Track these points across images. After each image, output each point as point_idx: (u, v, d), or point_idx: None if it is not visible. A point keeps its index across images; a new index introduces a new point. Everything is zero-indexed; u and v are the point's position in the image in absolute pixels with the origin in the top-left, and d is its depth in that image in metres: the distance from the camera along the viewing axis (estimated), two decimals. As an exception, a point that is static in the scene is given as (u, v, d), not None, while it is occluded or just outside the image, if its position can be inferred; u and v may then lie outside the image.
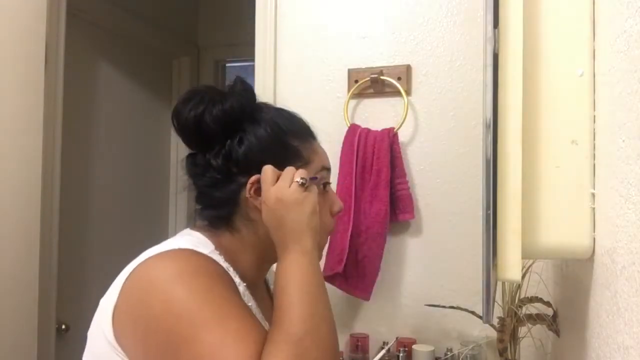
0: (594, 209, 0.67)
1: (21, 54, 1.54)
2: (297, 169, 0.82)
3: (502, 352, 1.12)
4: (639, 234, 0.50)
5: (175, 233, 0.92)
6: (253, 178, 0.82)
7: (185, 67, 2.81)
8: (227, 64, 3.04)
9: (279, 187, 0.79)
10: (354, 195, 1.39)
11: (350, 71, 1.51)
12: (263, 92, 1.57)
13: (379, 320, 1.47)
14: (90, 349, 0.80)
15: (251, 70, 1.62)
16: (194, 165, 0.87)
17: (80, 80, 2.11)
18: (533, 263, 1.09)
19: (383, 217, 1.38)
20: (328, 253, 1.43)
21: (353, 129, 1.45)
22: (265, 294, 0.97)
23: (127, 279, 0.76)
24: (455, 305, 1.27)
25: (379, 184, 1.39)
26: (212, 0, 2.91)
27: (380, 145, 1.39)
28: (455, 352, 1.33)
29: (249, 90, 0.88)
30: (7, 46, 1.48)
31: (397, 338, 1.39)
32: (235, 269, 0.82)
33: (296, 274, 0.76)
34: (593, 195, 0.67)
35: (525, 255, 0.67)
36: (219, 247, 0.83)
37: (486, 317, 0.69)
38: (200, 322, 0.70)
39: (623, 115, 0.55)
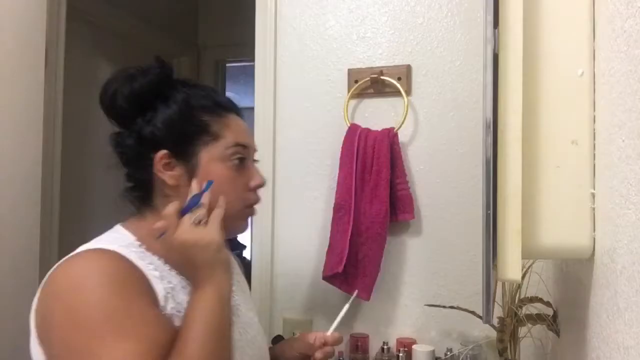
0: (594, 209, 0.67)
1: (21, 54, 1.54)
2: (205, 144, 0.87)
3: (502, 352, 1.12)
4: (639, 234, 0.50)
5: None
6: (160, 154, 0.86)
7: (185, 67, 2.81)
8: (227, 64, 3.04)
9: (180, 231, 0.81)
10: (354, 195, 1.39)
11: (350, 71, 1.51)
12: (263, 92, 1.57)
13: (379, 320, 1.47)
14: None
15: (251, 70, 1.62)
16: (115, 144, 0.90)
17: (80, 80, 2.11)
18: (533, 263, 1.09)
19: (383, 217, 1.38)
20: (328, 253, 1.43)
21: (353, 129, 1.45)
22: None
23: (45, 280, 0.79)
24: (455, 305, 1.27)
25: (379, 184, 1.39)
26: (212, 0, 2.91)
27: (380, 145, 1.39)
28: (455, 352, 1.33)
29: (163, 70, 0.91)
30: (7, 46, 1.48)
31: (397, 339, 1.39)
32: (159, 253, 0.84)
33: (204, 310, 0.78)
34: (593, 195, 0.67)
35: (525, 255, 0.67)
36: (141, 238, 0.85)
37: (486, 317, 0.69)
38: (99, 335, 0.72)
39: (623, 115, 0.55)
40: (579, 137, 0.68)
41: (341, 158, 1.45)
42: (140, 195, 0.90)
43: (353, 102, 1.51)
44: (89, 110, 2.18)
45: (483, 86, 0.70)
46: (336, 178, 1.45)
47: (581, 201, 0.68)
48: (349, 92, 1.49)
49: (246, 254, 4.20)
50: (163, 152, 0.86)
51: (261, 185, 0.94)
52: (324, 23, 1.54)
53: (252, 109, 1.59)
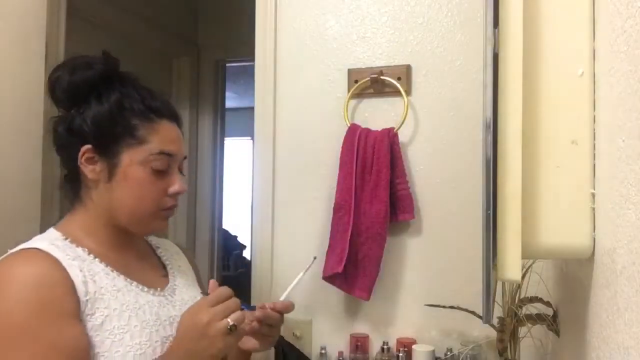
0: (594, 209, 0.67)
1: (21, 54, 1.54)
2: (130, 146, 0.90)
3: (502, 352, 1.12)
4: (639, 234, 0.50)
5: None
6: (84, 148, 0.90)
7: (185, 67, 2.81)
8: (227, 64, 3.04)
9: (213, 314, 0.84)
10: (354, 195, 1.39)
11: (350, 71, 1.51)
12: (263, 92, 1.57)
13: (379, 320, 1.47)
14: None
15: (251, 70, 1.62)
16: (52, 129, 0.95)
17: (80, 80, 2.11)
18: (533, 263, 1.09)
19: (383, 217, 1.38)
20: (328, 253, 1.43)
21: (353, 129, 1.45)
22: (148, 255, 1.06)
23: None
24: (455, 305, 1.27)
25: (379, 184, 1.39)
26: (212, 0, 2.91)
27: (380, 145, 1.39)
28: (455, 352, 1.33)
29: (106, 67, 0.94)
30: (7, 46, 1.48)
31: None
32: (84, 244, 0.90)
33: None
34: (593, 195, 0.67)
35: (525, 255, 0.67)
36: (68, 232, 0.91)
37: (486, 317, 0.69)
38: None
39: (623, 115, 0.55)
40: (579, 137, 0.68)
41: (341, 158, 1.45)
42: (71, 186, 0.95)
43: (353, 102, 1.50)
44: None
45: (483, 86, 0.71)
46: (336, 178, 1.45)
47: (581, 201, 0.68)
48: (349, 92, 1.49)
49: (246, 254, 4.21)
50: (87, 146, 0.90)
51: (180, 192, 0.96)
52: (324, 23, 1.54)
53: (252, 109, 1.59)
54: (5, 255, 0.86)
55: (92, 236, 0.93)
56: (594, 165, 0.67)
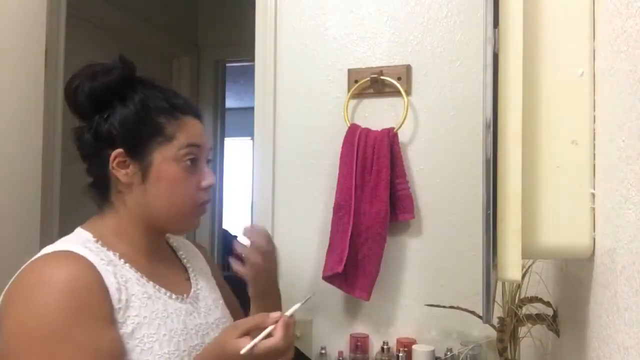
0: (594, 209, 0.67)
1: (21, 54, 1.54)
2: (160, 144, 0.91)
3: (502, 352, 1.12)
4: (639, 234, 0.50)
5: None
6: (115, 152, 0.90)
7: (185, 67, 2.81)
8: (227, 64, 3.04)
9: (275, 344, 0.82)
10: (354, 195, 1.39)
11: (350, 71, 1.50)
12: (263, 92, 1.57)
13: (379, 320, 1.47)
14: None
15: (251, 70, 1.62)
16: (75, 138, 0.94)
17: (80, 80, 2.10)
18: (533, 263, 1.09)
19: (383, 217, 1.38)
20: (328, 253, 1.43)
21: (353, 129, 1.45)
22: (171, 258, 1.05)
23: (12, 280, 0.83)
24: (455, 305, 1.27)
25: (379, 184, 1.39)
26: (212, 0, 2.91)
27: (380, 145, 1.39)
28: (455, 352, 1.33)
29: (125, 70, 0.93)
30: (7, 46, 1.48)
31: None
32: (115, 248, 0.89)
33: None
34: (593, 195, 0.67)
35: (525, 255, 0.67)
36: (99, 235, 0.89)
37: (486, 317, 0.69)
38: (31, 352, 0.76)
39: (623, 115, 0.55)
40: (579, 137, 0.68)
41: (341, 158, 1.45)
42: (99, 191, 0.95)
43: (353, 102, 1.50)
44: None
45: (483, 86, 0.70)
46: (336, 178, 1.45)
47: (581, 201, 0.68)
48: (349, 92, 1.49)
49: (246, 254, 4.20)
50: (118, 150, 0.90)
51: (211, 184, 0.97)
52: (324, 23, 1.54)
53: (252, 109, 1.59)
54: (37, 257, 0.84)
55: (122, 240, 0.92)
56: (594, 165, 0.67)
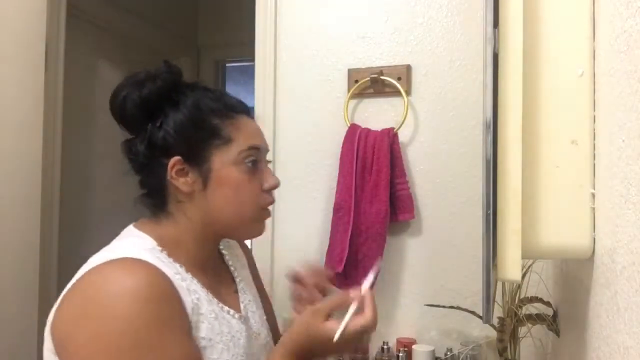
0: (594, 209, 0.67)
1: (21, 54, 1.54)
2: (216, 147, 0.85)
3: (502, 352, 1.12)
4: (639, 234, 0.50)
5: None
6: (173, 160, 0.84)
7: (185, 67, 2.79)
8: (227, 64, 3.04)
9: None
10: (354, 195, 1.39)
11: (350, 71, 1.51)
12: (263, 92, 1.57)
13: (379, 320, 1.46)
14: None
15: (251, 70, 1.62)
16: (128, 151, 0.88)
17: (80, 80, 2.11)
18: (533, 263, 1.09)
19: (383, 217, 1.38)
20: (328, 253, 1.43)
21: (353, 129, 1.45)
22: (220, 266, 0.98)
23: (70, 288, 0.76)
24: (455, 305, 1.27)
25: (379, 184, 1.39)
26: (212, 0, 2.91)
27: (380, 145, 1.39)
28: (455, 352, 1.33)
29: (172, 75, 0.89)
30: (7, 46, 1.48)
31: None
32: (179, 260, 0.83)
33: None
34: (593, 195, 0.67)
35: (525, 255, 0.67)
36: (161, 242, 0.84)
37: (486, 317, 0.69)
38: None
39: (623, 115, 0.55)
40: (579, 137, 0.68)
41: (341, 158, 1.45)
42: (155, 202, 0.88)
43: (353, 102, 1.50)
44: (89, 110, 2.19)
45: (483, 86, 0.70)
46: (336, 178, 1.45)
47: (581, 201, 0.68)
48: (349, 92, 1.49)
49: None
50: (176, 158, 0.84)
51: (275, 186, 0.92)
52: (324, 23, 1.54)
53: (252, 109, 1.59)
54: (103, 263, 0.76)
55: (181, 250, 0.85)
56: (594, 165, 0.67)
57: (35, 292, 1.57)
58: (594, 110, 0.68)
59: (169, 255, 0.82)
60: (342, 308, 0.82)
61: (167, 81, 0.87)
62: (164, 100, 0.86)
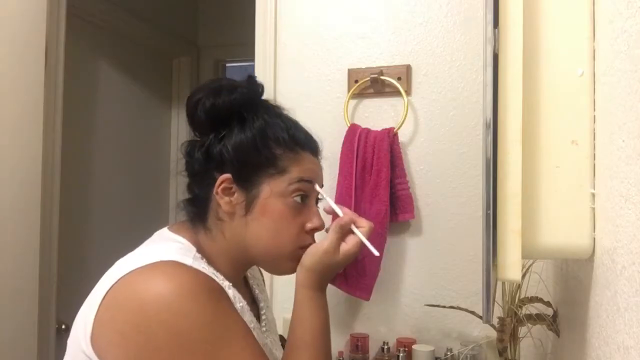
0: (594, 209, 0.67)
1: (21, 54, 1.54)
2: (269, 176, 0.84)
3: (502, 352, 1.12)
4: (639, 234, 0.50)
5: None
6: (223, 177, 0.83)
7: (185, 67, 2.81)
8: (227, 64, 3.04)
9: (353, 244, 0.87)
10: (354, 195, 1.39)
11: (350, 71, 1.51)
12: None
13: (379, 320, 1.47)
14: (68, 357, 0.78)
15: (251, 70, 1.62)
16: (186, 152, 0.88)
17: (80, 80, 2.11)
18: (533, 263, 1.09)
19: (383, 217, 1.38)
20: (328, 253, 1.43)
21: (353, 129, 1.45)
22: (244, 289, 0.97)
23: (108, 291, 0.73)
24: (455, 305, 1.27)
25: (379, 184, 1.39)
26: (212, 0, 2.91)
27: (380, 145, 1.39)
28: (455, 352, 1.33)
29: (250, 92, 0.88)
30: (7, 46, 1.48)
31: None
32: (218, 270, 0.82)
33: (317, 316, 0.85)
34: (593, 195, 0.67)
35: (525, 255, 0.67)
36: (200, 250, 0.83)
37: (486, 317, 0.69)
38: (214, 354, 0.71)
39: (623, 115, 0.55)
40: (579, 137, 0.68)
41: (341, 158, 1.45)
42: (196, 211, 0.87)
43: (353, 102, 1.51)
44: (89, 109, 2.19)
45: (483, 86, 0.70)
46: (336, 178, 1.45)
47: (581, 201, 0.68)
48: (349, 92, 1.49)
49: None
50: (226, 175, 0.83)
51: (319, 229, 0.88)
52: (324, 23, 1.54)
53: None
54: (142, 266, 0.74)
55: (215, 266, 0.84)
56: (594, 165, 0.67)
57: (35, 292, 1.57)
58: (594, 110, 0.68)
59: (210, 264, 0.82)
60: (344, 229, 0.88)
61: (244, 96, 0.85)
62: (234, 115, 0.84)
